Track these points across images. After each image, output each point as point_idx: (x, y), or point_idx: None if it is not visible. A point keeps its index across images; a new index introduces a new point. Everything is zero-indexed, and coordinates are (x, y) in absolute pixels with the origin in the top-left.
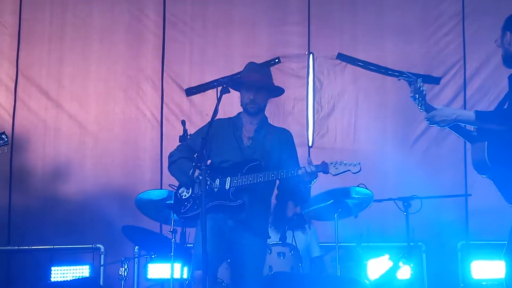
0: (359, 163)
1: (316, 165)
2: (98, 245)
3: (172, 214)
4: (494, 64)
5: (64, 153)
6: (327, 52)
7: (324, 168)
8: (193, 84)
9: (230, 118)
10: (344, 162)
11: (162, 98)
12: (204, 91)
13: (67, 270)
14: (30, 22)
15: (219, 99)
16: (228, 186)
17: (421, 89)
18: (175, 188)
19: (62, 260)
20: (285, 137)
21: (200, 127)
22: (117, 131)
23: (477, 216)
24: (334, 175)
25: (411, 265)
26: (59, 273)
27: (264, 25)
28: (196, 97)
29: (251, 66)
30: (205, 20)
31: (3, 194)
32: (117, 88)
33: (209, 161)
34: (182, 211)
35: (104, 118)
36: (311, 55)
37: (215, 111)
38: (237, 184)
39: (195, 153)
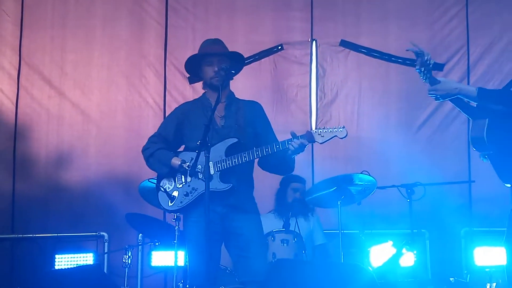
0: (343, 127)
1: (301, 136)
2: (102, 233)
3: None
4: (497, 50)
5: (67, 141)
6: (330, 38)
7: (309, 137)
8: None
9: (196, 99)
10: (329, 128)
11: (165, 85)
12: None
13: (71, 257)
14: (33, 9)
15: (221, 85)
16: (213, 171)
17: (428, 62)
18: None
19: (66, 248)
20: (257, 110)
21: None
22: (120, 119)
23: (481, 203)
24: (321, 143)
25: (415, 251)
26: (63, 261)
27: (267, 11)
28: (199, 84)
29: (206, 41)
30: (208, 6)
31: (7, 182)
32: (119, 75)
33: (182, 147)
34: (169, 204)
35: (107, 106)
36: (314, 42)
37: (218, 98)
38: (221, 167)
39: (168, 142)
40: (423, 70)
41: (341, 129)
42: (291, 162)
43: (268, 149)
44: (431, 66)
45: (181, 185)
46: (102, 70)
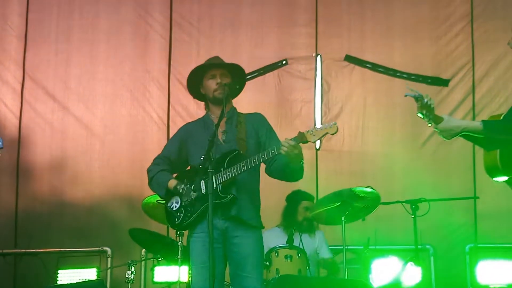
0: (335, 123)
1: (293, 138)
2: (105, 248)
3: None
4: (503, 67)
5: (71, 155)
6: (335, 53)
7: (301, 138)
8: None
9: (199, 119)
10: (321, 126)
11: (168, 100)
12: None
13: (74, 273)
14: (37, 23)
15: (225, 101)
16: (215, 185)
17: (428, 103)
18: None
19: (69, 263)
20: (258, 120)
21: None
22: (123, 133)
23: (486, 219)
24: (313, 142)
25: (419, 267)
26: (66, 276)
27: (271, 26)
28: None
29: (210, 58)
30: (212, 21)
31: (10, 197)
32: (123, 90)
33: (188, 167)
34: (176, 223)
35: (111, 120)
36: (318, 57)
37: (222, 114)
38: (222, 180)
39: (172, 162)
40: (424, 112)
41: (331, 126)
42: (299, 168)
43: (264, 154)
44: (432, 107)
45: (185, 203)
46: (106, 84)
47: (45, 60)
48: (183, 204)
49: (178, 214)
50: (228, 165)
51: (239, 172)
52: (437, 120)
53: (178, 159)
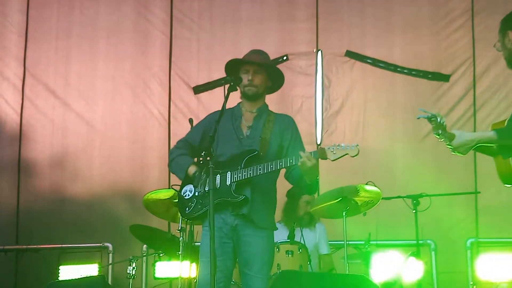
0: (356, 145)
1: (312, 152)
2: (106, 244)
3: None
4: (504, 62)
5: (71, 152)
6: (336, 49)
7: (321, 153)
8: (201, 82)
9: (229, 108)
10: (342, 145)
11: (169, 96)
12: (211, 88)
13: (75, 269)
14: (37, 20)
15: (226, 97)
16: (229, 182)
17: (441, 121)
18: (178, 189)
19: (71, 259)
20: (285, 124)
21: None
22: (124, 130)
23: (487, 214)
24: (332, 160)
25: (421, 261)
26: (67, 272)
27: (272, 22)
28: (203, 95)
29: (252, 50)
30: (213, 17)
31: (11, 193)
32: (124, 86)
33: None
34: (186, 212)
35: (112, 117)
36: (319, 53)
37: (223, 109)
38: (237, 178)
39: (194, 148)
40: (440, 132)
41: (353, 147)
42: (313, 184)
43: (282, 163)
44: (445, 125)
45: (198, 194)
46: (107, 80)
47: (45, 56)
48: (196, 194)
49: (190, 204)
50: (246, 165)
51: (254, 174)
52: (450, 137)
53: (199, 147)
